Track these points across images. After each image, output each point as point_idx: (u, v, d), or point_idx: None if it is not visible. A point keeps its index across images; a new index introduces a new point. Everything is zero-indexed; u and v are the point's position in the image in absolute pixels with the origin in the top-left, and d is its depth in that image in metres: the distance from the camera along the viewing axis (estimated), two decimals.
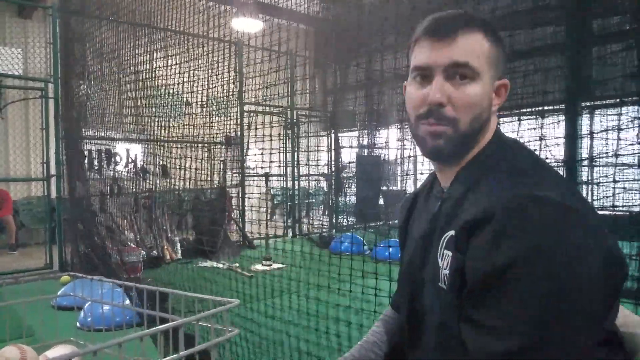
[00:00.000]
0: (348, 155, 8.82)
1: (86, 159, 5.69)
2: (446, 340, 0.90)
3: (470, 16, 0.94)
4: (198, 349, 0.71)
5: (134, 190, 6.35)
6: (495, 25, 0.97)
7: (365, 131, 8.35)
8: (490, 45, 0.93)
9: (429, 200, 1.08)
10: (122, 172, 6.22)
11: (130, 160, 6.29)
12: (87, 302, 2.53)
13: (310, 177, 8.94)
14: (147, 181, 6.34)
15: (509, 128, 2.95)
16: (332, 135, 8.62)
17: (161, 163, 6.20)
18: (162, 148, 6.37)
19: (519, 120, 2.86)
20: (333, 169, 8.61)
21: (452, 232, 0.89)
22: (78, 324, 3.33)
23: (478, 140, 0.96)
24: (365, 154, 8.50)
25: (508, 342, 0.74)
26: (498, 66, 0.95)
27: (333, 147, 8.60)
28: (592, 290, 0.76)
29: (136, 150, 6.48)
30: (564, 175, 2.84)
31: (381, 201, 8.80)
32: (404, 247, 1.15)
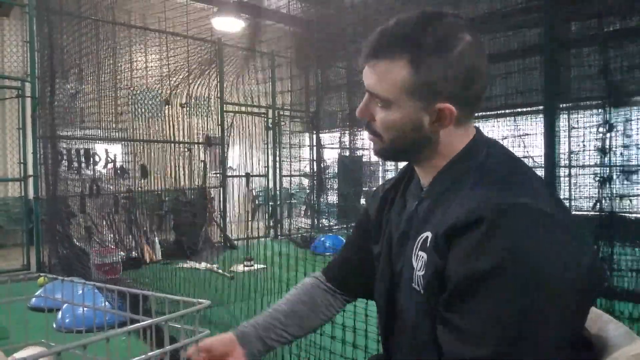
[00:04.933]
0: (330, 156, 8.83)
1: (64, 158, 5.62)
2: (421, 342, 0.90)
3: (398, 41, 0.88)
4: (166, 350, 0.71)
5: (113, 190, 6.28)
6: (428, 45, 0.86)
7: (347, 131, 8.37)
8: (414, 73, 0.86)
9: (407, 195, 1.07)
10: (101, 172, 6.15)
11: (109, 160, 6.22)
12: (62, 304, 2.49)
13: (292, 178, 8.93)
14: (127, 181, 6.28)
15: (486, 129, 2.98)
16: (314, 136, 8.62)
17: (140, 163, 6.15)
18: (141, 148, 6.32)
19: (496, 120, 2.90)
20: (315, 170, 8.62)
21: (427, 234, 0.89)
22: (54, 326, 3.30)
23: (427, 149, 0.94)
24: (347, 154, 8.52)
25: (482, 348, 0.75)
26: (431, 92, 0.87)
27: (315, 147, 8.60)
28: (570, 301, 0.77)
29: (115, 150, 6.42)
30: (542, 175, 2.88)
31: (362, 201, 8.82)
32: (377, 240, 1.12)
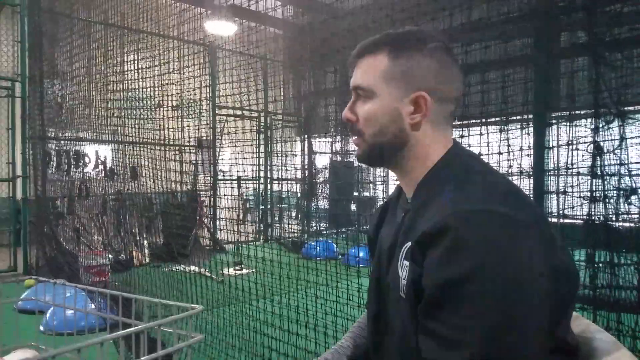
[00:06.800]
0: (321, 161, 8.84)
1: (54, 159, 5.58)
2: (408, 349, 0.92)
3: (380, 39, 1.01)
4: (159, 355, 0.71)
5: (102, 192, 6.24)
6: (408, 39, 1.00)
7: (339, 137, 8.39)
8: (392, 63, 0.98)
9: (396, 211, 1.11)
10: (90, 173, 6.11)
11: (99, 161, 6.18)
12: (50, 306, 2.47)
13: (283, 182, 8.93)
14: (116, 183, 6.24)
15: (477, 139, 3.01)
16: (306, 141, 8.63)
17: (130, 165, 6.12)
18: (132, 150, 6.29)
19: (485, 129, 2.92)
20: (306, 174, 8.62)
21: (409, 243, 0.92)
22: (41, 328, 3.27)
23: (405, 149, 1.00)
24: (339, 159, 8.54)
25: (461, 353, 0.77)
26: (407, 80, 0.97)
27: (306, 152, 8.62)
28: (542, 302, 0.79)
29: (105, 151, 6.38)
30: (532, 185, 2.91)
31: (353, 207, 8.84)
32: (374, 257, 1.17)
